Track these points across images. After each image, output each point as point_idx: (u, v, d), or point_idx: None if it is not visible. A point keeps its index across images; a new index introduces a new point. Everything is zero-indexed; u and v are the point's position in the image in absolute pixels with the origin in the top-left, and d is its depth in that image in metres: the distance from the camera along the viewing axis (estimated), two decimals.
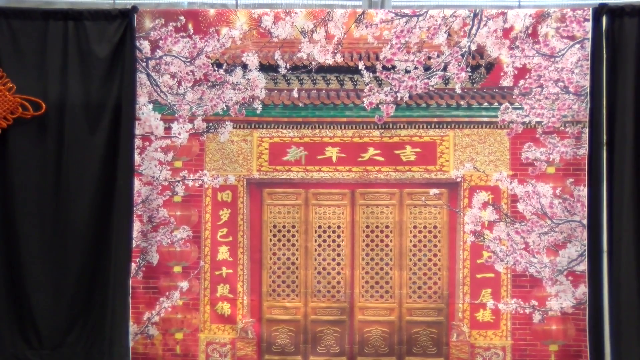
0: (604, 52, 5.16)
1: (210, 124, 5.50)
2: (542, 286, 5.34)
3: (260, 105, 5.48)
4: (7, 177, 5.35)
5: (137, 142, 5.44)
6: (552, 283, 5.33)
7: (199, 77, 5.47)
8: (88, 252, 5.34)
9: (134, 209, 5.41)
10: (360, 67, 5.42)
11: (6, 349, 5.29)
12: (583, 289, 5.26)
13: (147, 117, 5.48)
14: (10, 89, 5.31)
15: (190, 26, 5.46)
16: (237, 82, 5.47)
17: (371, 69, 5.42)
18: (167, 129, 5.49)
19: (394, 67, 5.41)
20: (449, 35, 5.39)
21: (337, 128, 5.50)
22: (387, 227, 5.51)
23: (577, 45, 5.27)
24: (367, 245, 5.51)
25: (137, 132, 5.43)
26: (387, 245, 5.50)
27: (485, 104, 5.41)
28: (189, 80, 5.47)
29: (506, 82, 5.37)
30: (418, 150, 5.47)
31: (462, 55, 5.38)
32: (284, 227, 5.55)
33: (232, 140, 5.51)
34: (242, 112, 5.49)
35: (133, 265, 5.41)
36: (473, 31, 5.36)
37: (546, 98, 5.35)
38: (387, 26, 5.41)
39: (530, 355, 5.35)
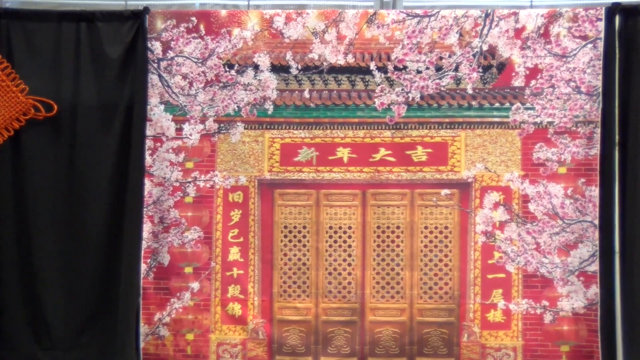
0: (617, 51, 5.14)
1: (222, 125, 5.50)
2: (554, 286, 5.33)
3: (272, 106, 5.48)
4: (19, 178, 5.35)
5: (149, 143, 5.45)
6: (563, 283, 5.32)
7: (211, 78, 5.47)
8: (100, 253, 5.34)
9: (145, 209, 5.41)
10: (371, 68, 5.41)
11: (19, 350, 5.29)
12: (594, 290, 5.24)
13: (159, 118, 5.48)
14: (22, 91, 5.32)
15: (201, 27, 5.46)
16: (248, 83, 5.47)
17: (383, 69, 5.42)
18: (179, 130, 5.49)
19: (405, 67, 5.40)
20: (461, 35, 5.38)
21: (349, 128, 5.49)
22: (398, 227, 5.51)
23: (590, 45, 5.26)
24: (378, 245, 5.51)
25: (148, 133, 5.43)
26: (398, 246, 5.50)
27: (497, 104, 5.41)
28: (201, 81, 5.47)
29: (518, 82, 5.36)
30: (429, 150, 5.47)
31: (474, 55, 5.38)
32: (295, 227, 5.55)
33: (243, 141, 5.51)
34: (253, 112, 5.49)
35: (144, 266, 5.41)
36: (485, 31, 5.35)
37: (558, 98, 5.33)
38: (399, 26, 5.40)
39: (541, 355, 5.33)
